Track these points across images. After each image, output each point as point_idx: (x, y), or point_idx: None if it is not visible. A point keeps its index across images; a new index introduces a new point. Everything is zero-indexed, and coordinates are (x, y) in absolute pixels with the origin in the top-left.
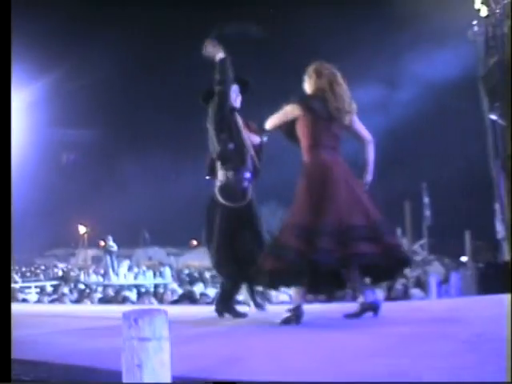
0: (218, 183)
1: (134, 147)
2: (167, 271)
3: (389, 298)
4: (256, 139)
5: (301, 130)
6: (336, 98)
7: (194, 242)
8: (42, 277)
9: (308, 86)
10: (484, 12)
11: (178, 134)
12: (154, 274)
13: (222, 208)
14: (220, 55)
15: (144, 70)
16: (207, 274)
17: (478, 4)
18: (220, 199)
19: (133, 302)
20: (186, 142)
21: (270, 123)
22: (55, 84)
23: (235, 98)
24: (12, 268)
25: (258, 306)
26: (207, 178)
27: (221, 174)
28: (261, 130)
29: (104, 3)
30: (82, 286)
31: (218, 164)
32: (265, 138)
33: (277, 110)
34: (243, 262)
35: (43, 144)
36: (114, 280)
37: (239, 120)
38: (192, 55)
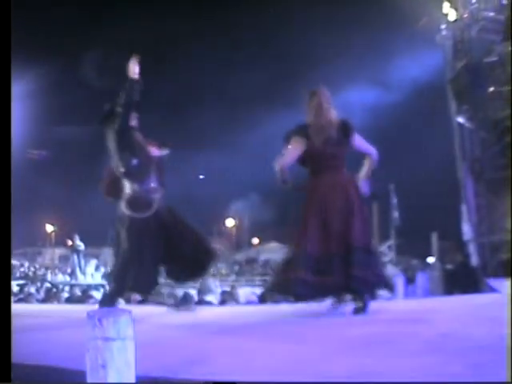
0: (125, 196)
1: (103, 147)
2: None
3: None
4: (156, 152)
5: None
6: (317, 124)
7: None
8: None
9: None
10: (452, 16)
11: (148, 133)
12: None
13: (130, 220)
14: (134, 76)
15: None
16: None
17: (446, 8)
18: (127, 211)
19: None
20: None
21: (283, 162)
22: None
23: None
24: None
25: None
26: (106, 197)
27: (127, 188)
28: (161, 146)
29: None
30: (48, 286)
31: (124, 179)
32: (164, 152)
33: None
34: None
35: (13, 140)
36: (81, 279)
37: (139, 137)
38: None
